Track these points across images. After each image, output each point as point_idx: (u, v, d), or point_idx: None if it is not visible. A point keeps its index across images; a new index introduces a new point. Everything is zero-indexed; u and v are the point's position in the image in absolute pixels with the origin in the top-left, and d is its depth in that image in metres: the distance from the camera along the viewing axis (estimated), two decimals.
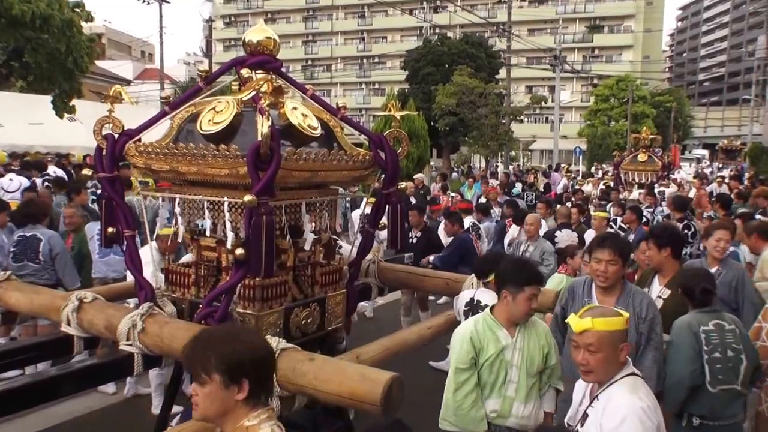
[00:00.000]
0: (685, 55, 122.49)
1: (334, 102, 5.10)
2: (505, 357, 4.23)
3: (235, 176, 3.96)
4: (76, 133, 21.29)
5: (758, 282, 6.60)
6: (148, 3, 35.12)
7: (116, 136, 4.38)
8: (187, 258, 5.61)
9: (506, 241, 11.14)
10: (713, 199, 14.29)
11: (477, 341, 4.22)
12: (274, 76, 4.52)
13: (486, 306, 4.91)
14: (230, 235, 4.12)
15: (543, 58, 55.64)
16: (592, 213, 12.13)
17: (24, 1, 17.72)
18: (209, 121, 4.04)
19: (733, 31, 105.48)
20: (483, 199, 16.02)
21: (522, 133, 50.73)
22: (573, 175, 28.67)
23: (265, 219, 3.79)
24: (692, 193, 17.88)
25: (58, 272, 7.55)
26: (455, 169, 43.59)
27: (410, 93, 43.46)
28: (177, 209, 4.49)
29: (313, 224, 4.64)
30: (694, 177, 27.02)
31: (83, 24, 20.62)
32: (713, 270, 5.89)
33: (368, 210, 5.44)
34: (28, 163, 17.04)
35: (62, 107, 20.55)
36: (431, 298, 9.82)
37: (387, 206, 4.94)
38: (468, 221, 10.55)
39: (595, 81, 64.96)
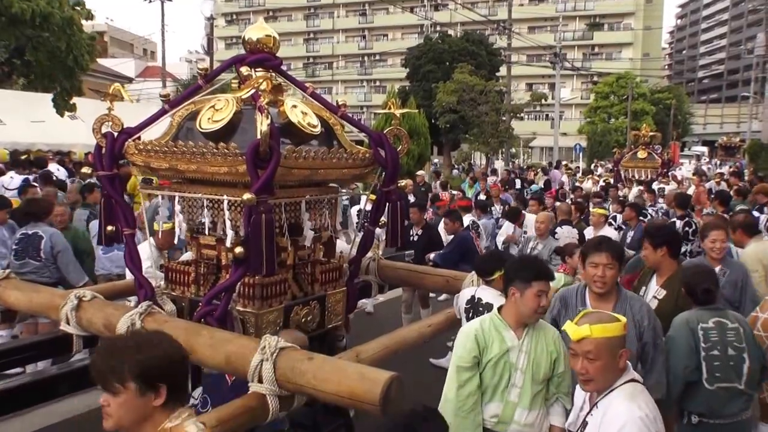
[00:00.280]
0: (684, 52, 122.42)
1: (335, 99, 5.09)
2: (509, 359, 4.03)
3: (235, 174, 3.95)
4: (77, 131, 21.26)
5: None
6: (150, 1, 35.15)
7: (115, 134, 4.38)
8: (187, 256, 5.61)
9: (499, 239, 11.11)
10: (712, 196, 14.28)
11: (482, 340, 4.05)
12: (273, 74, 4.52)
13: (487, 303, 4.89)
14: (230, 233, 4.12)
15: (543, 55, 55.49)
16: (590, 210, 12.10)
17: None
18: (209, 119, 4.03)
19: (732, 28, 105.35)
20: (482, 197, 16.00)
21: (522, 131, 50.75)
22: (573, 172, 28.67)
23: (264, 217, 3.78)
24: (691, 190, 17.86)
25: (62, 270, 7.55)
26: (456, 167, 43.54)
27: (411, 90, 43.46)
28: (177, 207, 4.48)
29: (313, 222, 4.63)
30: (693, 174, 26.98)
31: (85, 22, 20.62)
32: (717, 269, 5.86)
33: (369, 207, 5.43)
34: (17, 161, 17.04)
35: (63, 105, 20.54)
36: (432, 295, 9.81)
37: (387, 204, 4.94)
38: (467, 219, 10.54)
39: (595, 78, 64.89)
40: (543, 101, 42.62)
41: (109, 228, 4.51)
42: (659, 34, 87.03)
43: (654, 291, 5.36)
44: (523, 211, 11.71)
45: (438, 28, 59.27)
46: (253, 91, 4.05)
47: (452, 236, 9.47)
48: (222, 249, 4.47)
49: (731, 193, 14.91)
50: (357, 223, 5.76)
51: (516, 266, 4.21)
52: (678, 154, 41.80)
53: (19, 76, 22.63)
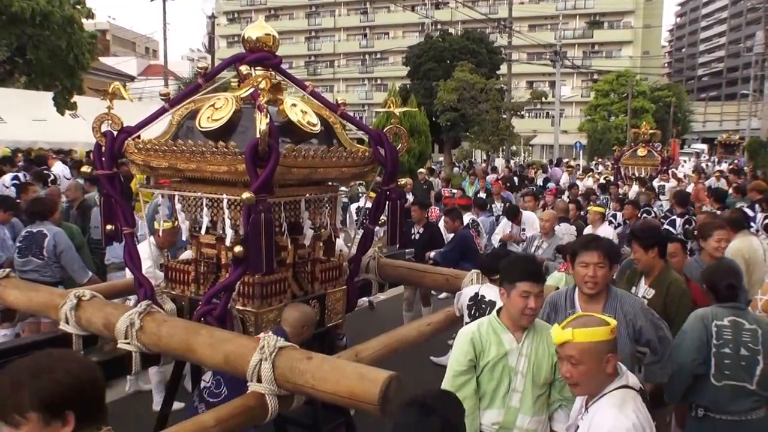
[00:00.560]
0: (684, 50, 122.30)
1: (336, 98, 5.09)
2: (508, 363, 3.85)
3: (234, 173, 3.95)
4: (78, 129, 21.26)
5: None
6: None
7: (115, 133, 4.37)
8: (187, 255, 5.61)
9: (495, 237, 11.07)
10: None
11: (478, 343, 3.87)
12: (273, 73, 4.52)
13: (490, 301, 4.86)
14: (229, 232, 4.12)
15: (543, 53, 55.51)
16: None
17: None
18: (208, 118, 4.03)
19: (731, 26, 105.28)
20: (482, 195, 15.99)
21: (523, 128, 50.66)
22: (572, 170, 28.64)
23: (263, 216, 3.78)
24: (690, 188, 17.86)
25: (66, 268, 7.56)
26: (456, 165, 43.50)
27: (412, 89, 43.38)
28: (177, 206, 4.48)
29: (313, 221, 4.63)
30: (693, 171, 26.99)
31: (87, 21, 20.63)
32: None
33: (369, 204, 5.43)
34: (6, 158, 17.01)
35: (63, 104, 20.57)
36: (432, 293, 9.80)
37: (387, 202, 4.93)
38: (467, 218, 10.52)
39: (595, 76, 64.82)
40: (543, 99, 42.41)
41: (109, 227, 4.50)
42: (659, 32, 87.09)
43: (643, 291, 5.35)
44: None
45: (439, 27, 59.26)
46: (252, 89, 4.05)
47: (452, 235, 9.46)
48: (222, 248, 4.47)
49: (730, 190, 14.92)
50: (357, 221, 5.75)
51: (505, 266, 4.06)
52: (678, 152, 41.79)
53: (20, 74, 22.64)
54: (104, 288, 5.51)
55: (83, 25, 20.42)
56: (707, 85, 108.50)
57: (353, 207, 11.76)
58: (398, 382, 3.27)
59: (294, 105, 4.31)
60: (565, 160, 34.28)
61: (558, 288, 5.15)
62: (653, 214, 12.08)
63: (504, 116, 36.19)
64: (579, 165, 35.32)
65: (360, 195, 12.24)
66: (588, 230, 10.23)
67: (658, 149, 21.40)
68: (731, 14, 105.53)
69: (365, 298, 8.97)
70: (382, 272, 5.96)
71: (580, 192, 16.18)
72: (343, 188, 5.28)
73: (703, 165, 39.54)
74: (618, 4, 73.96)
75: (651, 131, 21.22)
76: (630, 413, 2.91)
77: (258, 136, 3.70)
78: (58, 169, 15.70)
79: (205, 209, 4.32)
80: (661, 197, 16.67)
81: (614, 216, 12.14)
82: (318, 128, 4.35)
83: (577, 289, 4.43)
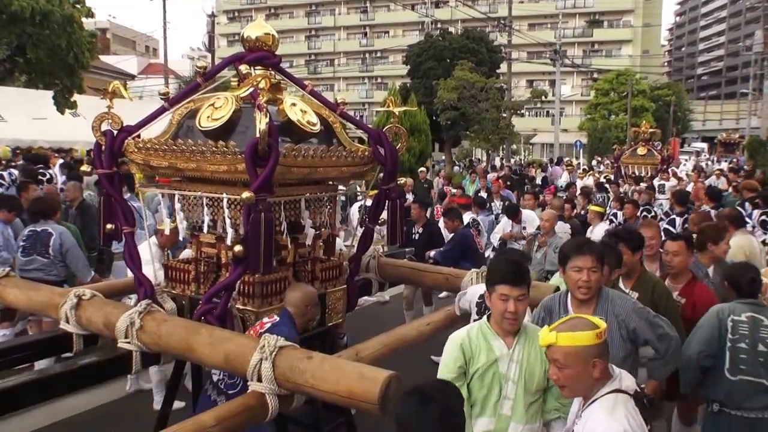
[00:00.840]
0: (683, 49, 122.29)
1: (337, 96, 5.08)
2: (499, 369, 3.71)
3: (234, 173, 3.95)
4: (78, 128, 21.23)
5: None
6: None
7: (115, 132, 4.37)
8: (187, 254, 5.61)
9: (495, 236, 11.05)
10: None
11: (468, 349, 3.75)
12: (272, 72, 4.51)
13: None
14: (230, 231, 4.12)
15: (543, 52, 55.56)
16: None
17: None
18: (208, 117, 4.02)
19: (730, 26, 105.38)
20: (483, 194, 15.98)
21: (523, 127, 50.62)
22: (572, 169, 28.62)
23: (263, 216, 3.78)
24: (690, 187, 17.86)
25: (71, 266, 7.60)
26: (457, 163, 43.50)
27: (412, 87, 43.33)
28: (176, 205, 4.48)
29: (313, 220, 4.63)
30: (692, 170, 26.99)
31: (87, 20, 20.60)
32: (710, 269, 6.12)
33: (369, 203, 5.43)
34: None
35: (63, 103, 20.54)
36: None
37: (387, 202, 4.93)
38: (467, 217, 10.51)
39: (595, 75, 64.79)
40: (543, 98, 42.43)
41: (108, 226, 4.50)
42: (658, 31, 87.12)
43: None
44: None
45: (439, 26, 59.19)
46: (252, 89, 4.04)
47: (452, 234, 9.46)
48: (222, 247, 4.47)
49: (730, 189, 14.92)
50: (358, 219, 5.75)
51: (488, 268, 3.99)
52: (678, 151, 41.83)
53: (20, 73, 22.61)
54: (105, 287, 5.51)
55: (83, 24, 20.37)
56: (707, 84, 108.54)
57: (355, 207, 11.77)
58: (398, 382, 3.26)
59: (294, 104, 4.31)
60: (566, 159, 34.26)
61: (559, 288, 5.08)
62: (653, 213, 12.09)
63: (504, 115, 36.17)
64: (579, 164, 35.28)
65: (358, 194, 12.25)
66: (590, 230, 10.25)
67: (658, 148, 21.40)
68: (730, 13, 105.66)
69: (372, 297, 8.93)
70: (382, 271, 5.95)
71: (578, 191, 16.17)
72: (341, 187, 5.28)
73: (703, 164, 39.57)
74: (618, 3, 73.94)
75: (651, 130, 21.22)
76: (621, 418, 2.88)
77: (258, 135, 3.70)
78: (58, 171, 15.73)
79: (205, 208, 4.32)
80: (661, 196, 16.66)
81: (615, 215, 12.11)
82: (318, 127, 4.35)
83: (569, 293, 4.33)
